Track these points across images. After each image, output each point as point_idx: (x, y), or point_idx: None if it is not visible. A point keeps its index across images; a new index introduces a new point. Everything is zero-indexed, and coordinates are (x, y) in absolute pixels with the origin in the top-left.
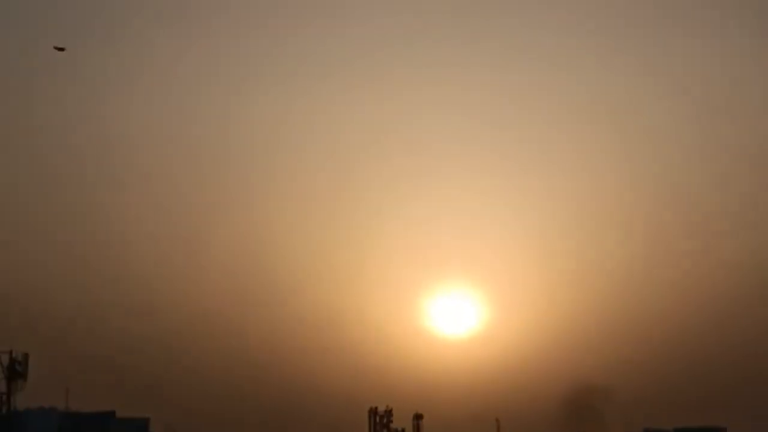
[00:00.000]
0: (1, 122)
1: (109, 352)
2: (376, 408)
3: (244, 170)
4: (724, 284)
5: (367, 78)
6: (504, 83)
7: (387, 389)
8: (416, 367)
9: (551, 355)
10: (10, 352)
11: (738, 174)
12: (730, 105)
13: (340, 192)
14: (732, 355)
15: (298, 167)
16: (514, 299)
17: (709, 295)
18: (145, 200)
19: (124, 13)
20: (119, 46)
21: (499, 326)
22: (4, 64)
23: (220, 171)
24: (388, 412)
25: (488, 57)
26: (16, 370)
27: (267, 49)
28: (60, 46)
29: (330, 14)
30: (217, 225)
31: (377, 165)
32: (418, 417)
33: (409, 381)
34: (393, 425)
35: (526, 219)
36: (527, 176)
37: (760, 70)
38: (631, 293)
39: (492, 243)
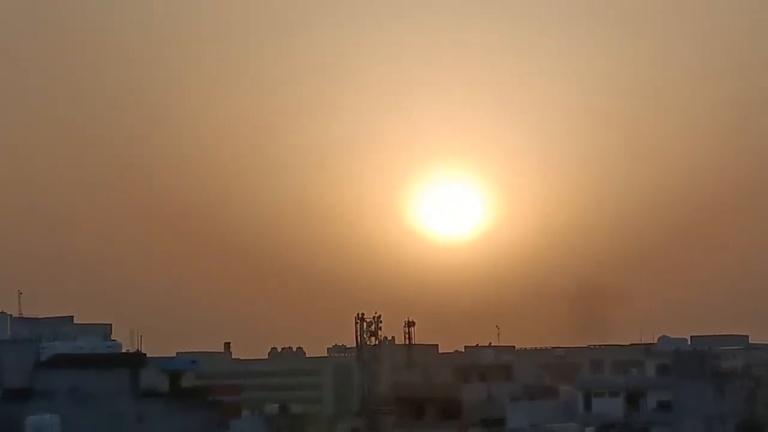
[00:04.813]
0: None
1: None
2: (362, 314)
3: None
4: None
5: None
6: None
7: (374, 294)
8: (407, 270)
9: (558, 255)
10: None
11: None
12: None
13: (321, 73)
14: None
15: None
16: (519, 193)
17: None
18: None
19: None
20: None
21: (501, 227)
22: None
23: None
24: (377, 318)
25: None
26: None
27: None
28: None
29: None
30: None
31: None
32: (409, 324)
33: (399, 286)
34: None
35: (535, 101)
36: (534, 55)
37: None
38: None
39: (492, 129)
